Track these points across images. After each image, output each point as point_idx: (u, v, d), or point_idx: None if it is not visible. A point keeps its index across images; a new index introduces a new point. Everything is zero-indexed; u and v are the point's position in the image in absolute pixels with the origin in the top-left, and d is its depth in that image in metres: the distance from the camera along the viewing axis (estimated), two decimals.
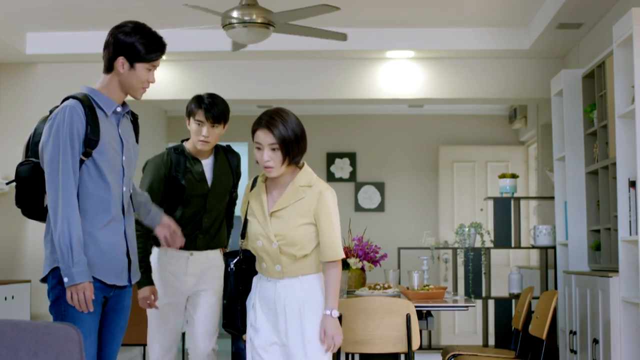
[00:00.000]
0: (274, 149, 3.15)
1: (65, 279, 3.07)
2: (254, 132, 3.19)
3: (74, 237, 3.07)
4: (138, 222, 3.64)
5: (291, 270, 3.24)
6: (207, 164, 4.28)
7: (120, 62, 3.21)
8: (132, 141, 3.38)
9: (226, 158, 4.36)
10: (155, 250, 4.25)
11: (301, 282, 3.25)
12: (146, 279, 4.08)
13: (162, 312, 4.19)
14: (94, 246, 3.14)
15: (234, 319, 3.39)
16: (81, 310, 3.09)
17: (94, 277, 3.13)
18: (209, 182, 4.25)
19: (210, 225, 4.25)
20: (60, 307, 3.13)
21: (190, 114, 4.20)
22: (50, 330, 2.10)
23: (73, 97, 3.20)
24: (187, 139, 4.29)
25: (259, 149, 3.18)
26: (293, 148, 3.16)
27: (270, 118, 3.16)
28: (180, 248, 3.87)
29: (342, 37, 5.56)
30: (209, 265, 4.25)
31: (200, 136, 4.16)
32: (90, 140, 3.14)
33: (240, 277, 3.40)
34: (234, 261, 3.40)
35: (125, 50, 3.20)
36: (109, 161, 3.20)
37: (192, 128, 4.19)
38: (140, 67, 3.21)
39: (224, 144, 4.47)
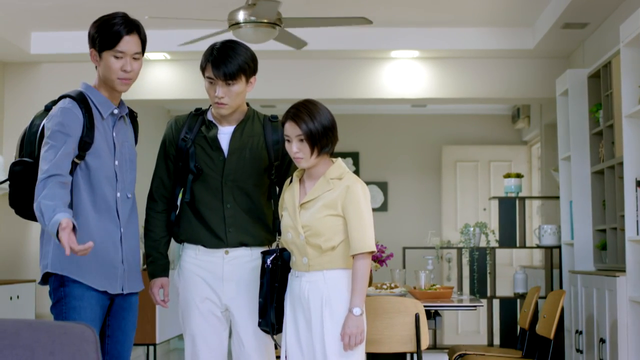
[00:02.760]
0: (301, 140, 3.19)
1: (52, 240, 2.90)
2: (282, 124, 3.25)
3: (42, 204, 2.89)
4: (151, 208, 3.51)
5: (317, 263, 3.20)
6: (227, 131, 3.43)
7: (93, 55, 3.20)
8: (128, 144, 3.27)
9: (262, 129, 3.47)
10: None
11: (325, 277, 3.20)
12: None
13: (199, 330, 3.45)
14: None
15: (268, 316, 3.30)
16: (69, 246, 2.77)
17: (84, 285, 3.04)
18: (225, 153, 3.41)
19: (236, 213, 3.41)
20: (61, 309, 3.07)
21: (201, 68, 3.39)
22: (66, 330, 2.08)
23: (70, 96, 3.14)
24: None
25: (288, 141, 3.23)
26: (321, 139, 3.21)
27: (297, 110, 3.21)
28: (209, 246, 3.40)
29: (366, 21, 5.42)
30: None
31: (214, 97, 3.35)
32: (85, 143, 3.08)
33: (276, 274, 3.32)
34: (271, 258, 3.33)
35: (91, 42, 3.19)
36: (101, 165, 3.13)
37: (205, 87, 3.38)
38: (105, 55, 3.15)
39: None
